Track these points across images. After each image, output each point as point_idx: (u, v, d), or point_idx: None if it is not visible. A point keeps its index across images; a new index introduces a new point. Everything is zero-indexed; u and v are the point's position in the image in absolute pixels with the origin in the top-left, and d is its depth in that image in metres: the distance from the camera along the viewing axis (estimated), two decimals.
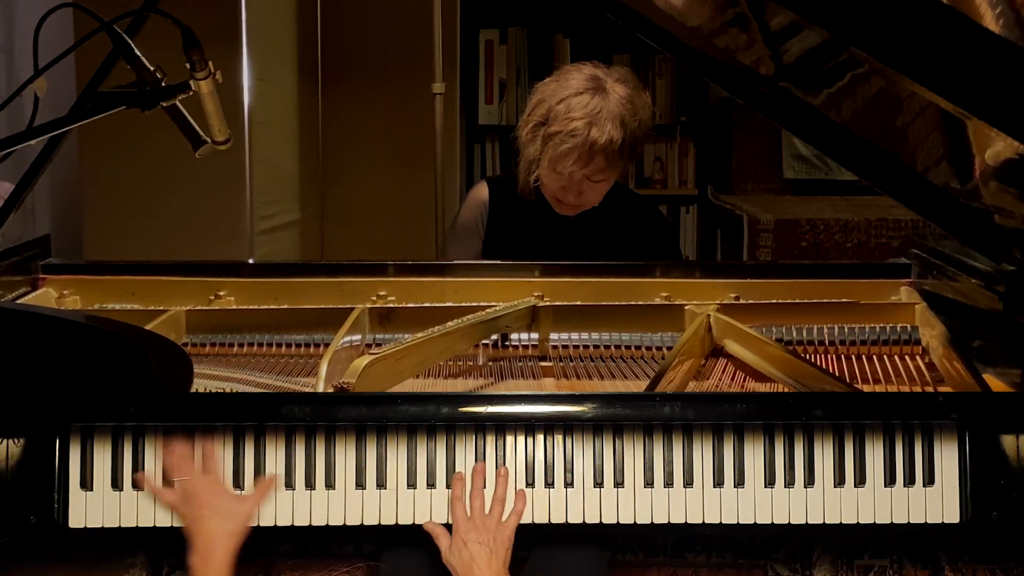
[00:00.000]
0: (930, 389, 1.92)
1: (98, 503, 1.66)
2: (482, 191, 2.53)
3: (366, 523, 1.67)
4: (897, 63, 1.53)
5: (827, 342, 2.10)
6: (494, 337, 2.13)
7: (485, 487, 1.67)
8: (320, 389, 1.76)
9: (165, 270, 2.32)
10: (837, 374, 1.95)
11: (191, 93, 1.83)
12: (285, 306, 2.23)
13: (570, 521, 1.68)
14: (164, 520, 1.66)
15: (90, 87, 2.04)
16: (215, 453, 1.66)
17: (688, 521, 1.67)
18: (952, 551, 1.75)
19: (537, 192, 2.45)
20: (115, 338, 1.89)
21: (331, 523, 1.67)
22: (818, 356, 2.08)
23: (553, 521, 1.68)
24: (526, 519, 1.67)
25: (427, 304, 2.21)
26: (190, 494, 1.63)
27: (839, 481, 1.67)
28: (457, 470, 1.68)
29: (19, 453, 1.63)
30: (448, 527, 1.66)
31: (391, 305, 2.22)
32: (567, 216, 2.47)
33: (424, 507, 1.67)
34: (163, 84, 1.82)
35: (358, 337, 2.09)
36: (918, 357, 2.07)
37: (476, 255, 2.52)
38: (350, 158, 4.14)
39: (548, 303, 2.18)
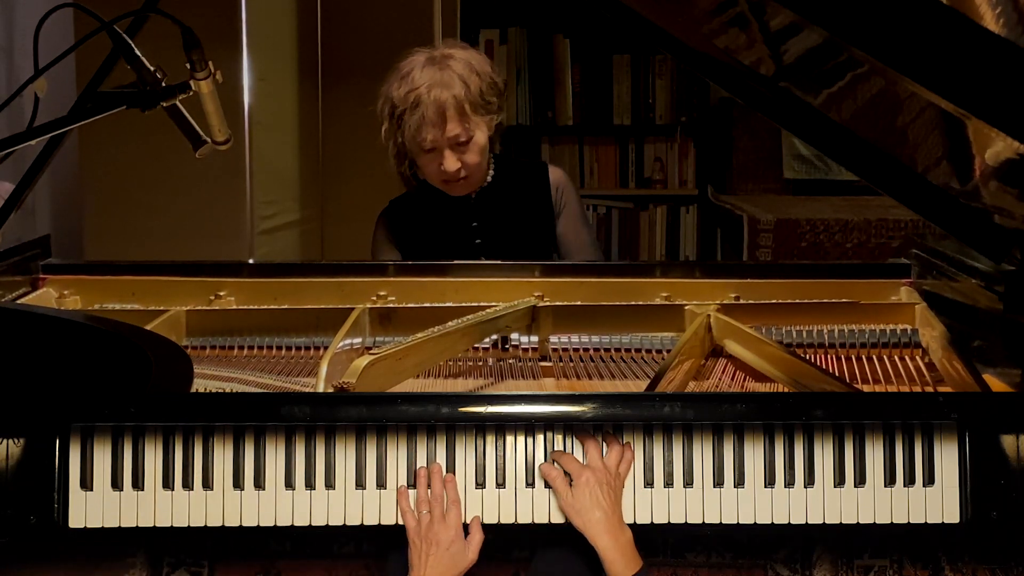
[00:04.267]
0: (930, 389, 1.92)
1: (98, 503, 1.66)
2: (382, 226, 2.55)
3: (366, 523, 1.67)
4: (897, 63, 1.53)
5: (827, 342, 2.10)
6: (494, 337, 2.13)
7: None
8: (320, 389, 1.76)
9: (165, 270, 2.32)
10: (837, 374, 1.95)
11: (191, 93, 1.83)
12: (285, 306, 2.23)
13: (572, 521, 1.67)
14: (164, 520, 1.66)
15: (90, 87, 2.04)
16: (457, 498, 1.67)
17: (688, 521, 1.67)
18: (952, 551, 1.75)
19: (425, 184, 2.47)
20: (115, 338, 1.89)
21: (331, 523, 1.67)
22: (818, 356, 2.08)
23: (553, 522, 1.68)
24: (526, 519, 1.67)
25: (427, 304, 2.21)
26: (430, 529, 1.64)
27: (839, 481, 1.67)
28: (457, 470, 1.68)
29: (19, 453, 1.63)
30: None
31: (391, 305, 2.22)
32: (469, 202, 2.49)
33: None
34: (163, 84, 1.82)
35: (359, 340, 2.09)
36: (918, 357, 2.07)
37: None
38: (350, 158, 4.13)
39: (548, 303, 2.18)
